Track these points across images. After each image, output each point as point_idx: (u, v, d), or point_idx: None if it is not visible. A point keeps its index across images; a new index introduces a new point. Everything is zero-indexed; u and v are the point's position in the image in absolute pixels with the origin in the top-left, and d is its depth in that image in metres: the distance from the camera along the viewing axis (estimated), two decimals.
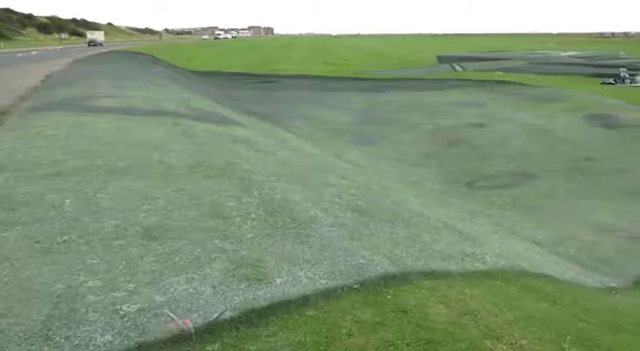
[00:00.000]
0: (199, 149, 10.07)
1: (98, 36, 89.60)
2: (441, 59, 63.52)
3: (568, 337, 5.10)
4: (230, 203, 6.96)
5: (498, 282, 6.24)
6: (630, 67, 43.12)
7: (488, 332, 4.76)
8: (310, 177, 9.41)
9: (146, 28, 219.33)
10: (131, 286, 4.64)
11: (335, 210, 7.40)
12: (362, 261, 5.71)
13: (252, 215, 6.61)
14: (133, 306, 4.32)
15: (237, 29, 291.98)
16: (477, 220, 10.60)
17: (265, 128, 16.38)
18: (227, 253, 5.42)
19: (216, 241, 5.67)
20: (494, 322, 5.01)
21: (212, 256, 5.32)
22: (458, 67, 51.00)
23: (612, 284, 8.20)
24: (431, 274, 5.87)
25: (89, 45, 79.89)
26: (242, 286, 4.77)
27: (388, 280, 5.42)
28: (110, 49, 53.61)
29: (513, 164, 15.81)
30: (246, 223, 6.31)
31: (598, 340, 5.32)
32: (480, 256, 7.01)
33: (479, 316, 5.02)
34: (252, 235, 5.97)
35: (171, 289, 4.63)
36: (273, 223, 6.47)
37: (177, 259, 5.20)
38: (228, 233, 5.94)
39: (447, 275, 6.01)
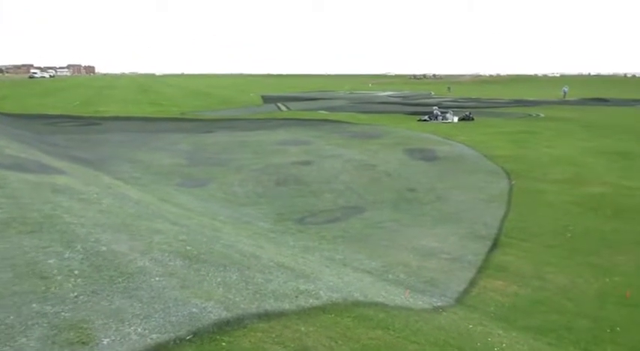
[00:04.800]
0: (13, 203, 9.25)
1: None
2: (266, 99, 65.18)
3: None
4: (50, 260, 6.48)
5: (332, 315, 6.44)
6: (440, 105, 47.50)
7: None
8: (138, 225, 9.09)
9: None
10: None
11: (165, 258, 7.22)
12: (194, 310, 5.62)
13: (76, 272, 6.22)
14: None
15: (55, 68, 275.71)
16: (309, 255, 10.81)
17: (89, 175, 15.55)
18: (47, 317, 5.02)
19: (34, 305, 5.22)
20: None
21: (29, 322, 4.87)
22: (283, 107, 52.39)
23: (438, 304, 8.77)
24: (265, 316, 5.92)
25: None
26: None
27: (222, 327, 5.39)
28: None
29: (342, 199, 16.41)
30: (69, 281, 5.92)
31: None
32: (313, 292, 7.19)
33: None
34: (75, 294, 5.60)
35: None
36: (99, 278, 6.14)
37: None
38: (48, 294, 5.51)
39: (281, 315, 6.09)
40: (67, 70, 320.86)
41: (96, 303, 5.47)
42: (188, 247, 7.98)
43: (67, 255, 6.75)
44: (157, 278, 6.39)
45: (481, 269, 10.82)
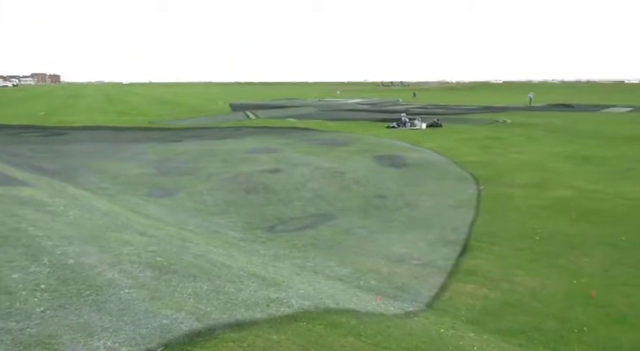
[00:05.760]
0: None
1: None
2: (235, 107, 64.99)
3: None
4: (15, 275, 6.34)
5: (304, 323, 6.44)
6: (409, 112, 47.87)
7: None
8: (106, 236, 8.96)
9: None
10: None
11: (134, 270, 7.13)
12: (165, 321, 5.57)
13: (42, 286, 6.10)
14: None
15: (18, 77, 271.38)
16: (280, 264, 10.78)
17: (55, 186, 15.27)
18: (11, 333, 4.90)
19: None
20: None
21: None
22: (251, 115, 52.28)
23: (410, 309, 8.81)
24: (236, 325, 5.90)
25: None
26: None
27: (193, 338, 5.34)
28: None
29: (311, 206, 16.36)
30: (35, 296, 5.80)
31: None
32: (285, 300, 7.18)
33: None
34: (42, 309, 5.49)
35: None
36: (66, 292, 6.03)
37: None
38: (13, 310, 5.38)
39: (253, 324, 6.07)
40: (31, 78, 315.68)
41: (63, 317, 5.37)
42: (158, 258, 7.90)
43: (32, 269, 6.62)
44: (127, 290, 6.31)
45: (451, 274, 10.91)
